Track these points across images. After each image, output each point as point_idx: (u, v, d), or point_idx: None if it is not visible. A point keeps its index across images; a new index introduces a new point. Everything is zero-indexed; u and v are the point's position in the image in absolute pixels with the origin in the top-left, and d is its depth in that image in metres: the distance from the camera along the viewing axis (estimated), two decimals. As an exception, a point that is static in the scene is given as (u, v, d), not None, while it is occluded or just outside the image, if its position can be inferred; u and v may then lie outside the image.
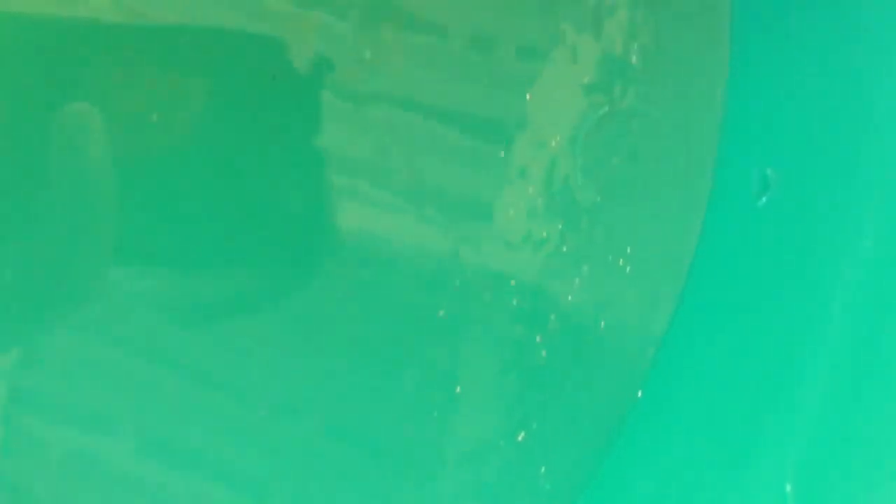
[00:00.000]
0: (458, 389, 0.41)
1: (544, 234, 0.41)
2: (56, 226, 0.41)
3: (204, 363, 0.41)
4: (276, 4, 0.42)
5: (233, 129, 0.42)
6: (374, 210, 0.41)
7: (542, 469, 0.41)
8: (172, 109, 0.42)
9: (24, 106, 0.42)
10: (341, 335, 0.41)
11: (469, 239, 0.41)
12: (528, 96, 0.42)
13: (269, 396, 0.41)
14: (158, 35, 0.42)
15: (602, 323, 0.41)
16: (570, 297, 0.41)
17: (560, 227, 0.41)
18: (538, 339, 0.41)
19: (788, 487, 0.33)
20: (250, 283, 0.42)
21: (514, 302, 0.41)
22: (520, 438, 0.41)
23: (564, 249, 0.41)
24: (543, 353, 0.41)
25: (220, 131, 0.42)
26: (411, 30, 0.42)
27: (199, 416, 0.40)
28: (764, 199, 0.38)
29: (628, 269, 0.41)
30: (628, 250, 0.41)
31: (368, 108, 0.41)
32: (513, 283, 0.41)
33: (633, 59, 0.41)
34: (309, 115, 0.42)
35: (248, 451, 0.41)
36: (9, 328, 0.40)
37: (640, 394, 0.41)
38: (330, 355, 0.41)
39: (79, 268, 0.41)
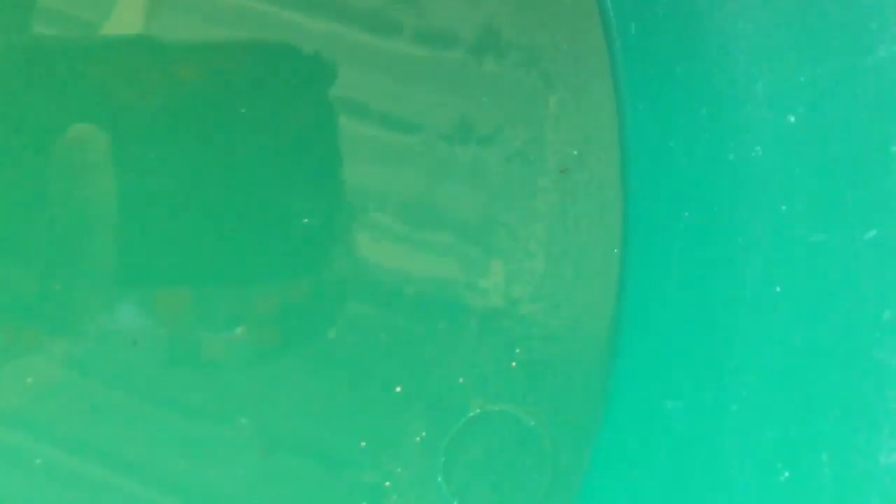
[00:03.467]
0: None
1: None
2: (52, 251, 0.42)
3: (192, 397, 0.42)
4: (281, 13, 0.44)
5: (238, 158, 0.43)
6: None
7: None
8: (179, 137, 0.43)
9: (25, 129, 0.42)
10: (347, 367, 0.42)
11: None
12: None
13: (251, 425, 0.42)
14: (166, 56, 0.43)
15: None
16: None
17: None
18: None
19: None
20: (249, 318, 0.42)
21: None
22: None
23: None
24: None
25: (226, 163, 0.43)
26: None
27: (180, 445, 0.42)
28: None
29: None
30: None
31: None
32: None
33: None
34: (319, 144, 0.43)
35: (233, 479, 0.42)
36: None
37: None
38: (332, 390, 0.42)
39: (71, 298, 0.42)
